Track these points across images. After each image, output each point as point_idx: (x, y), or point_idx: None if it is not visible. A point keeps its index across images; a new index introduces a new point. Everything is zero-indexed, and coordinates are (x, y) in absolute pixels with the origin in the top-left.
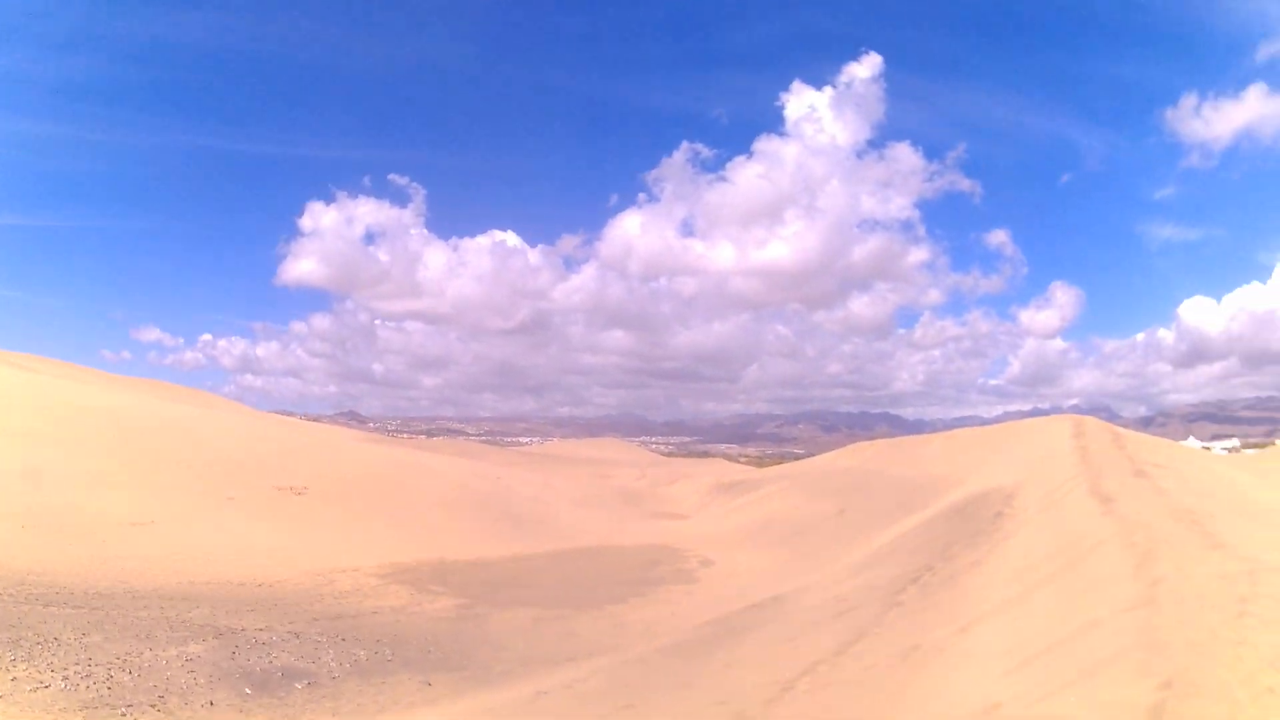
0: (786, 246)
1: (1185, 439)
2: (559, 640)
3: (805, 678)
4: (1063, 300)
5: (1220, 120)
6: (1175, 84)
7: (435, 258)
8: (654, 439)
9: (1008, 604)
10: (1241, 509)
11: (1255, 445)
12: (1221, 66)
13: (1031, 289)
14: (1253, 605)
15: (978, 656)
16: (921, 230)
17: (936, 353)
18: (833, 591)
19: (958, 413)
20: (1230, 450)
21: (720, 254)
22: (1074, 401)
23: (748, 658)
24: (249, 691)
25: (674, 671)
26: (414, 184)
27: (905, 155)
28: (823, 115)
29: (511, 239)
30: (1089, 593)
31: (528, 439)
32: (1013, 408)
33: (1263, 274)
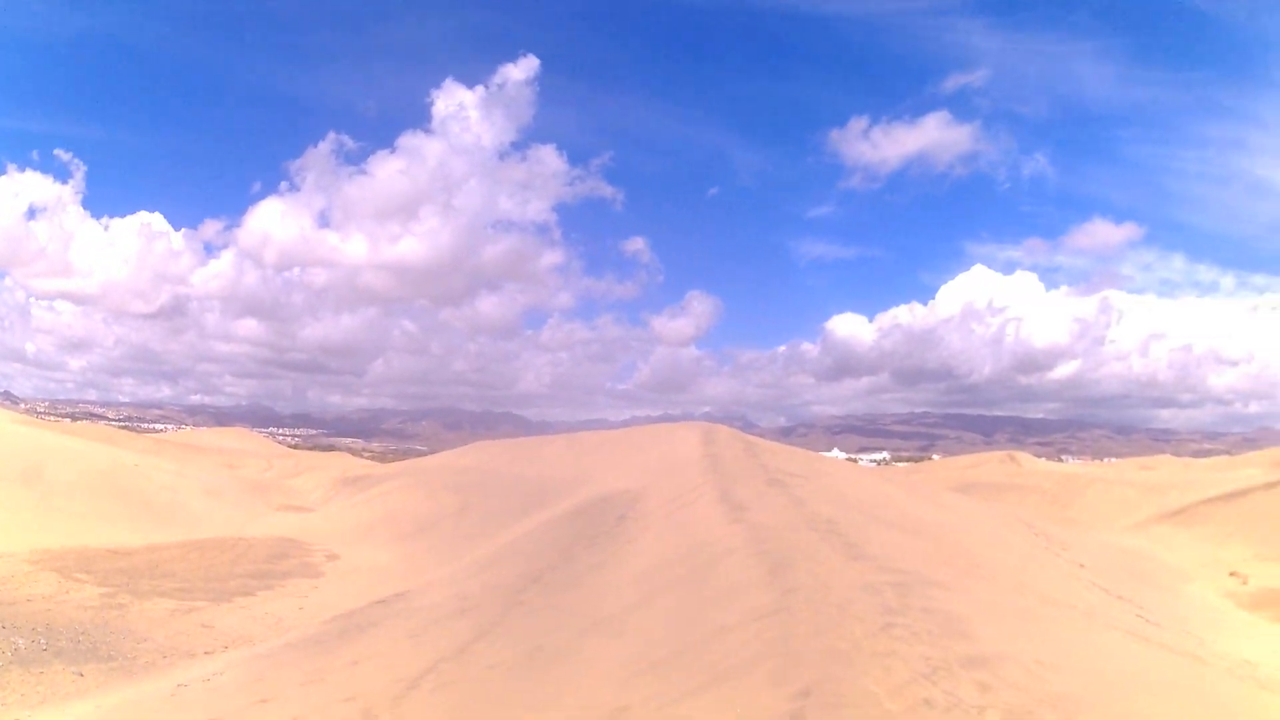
0: (419, 243)
1: (830, 450)
2: (196, 633)
3: (430, 675)
4: (699, 309)
5: (891, 144)
6: (846, 106)
7: (88, 237)
8: (281, 430)
9: (633, 607)
10: (889, 521)
11: (909, 459)
12: (900, 92)
13: (667, 297)
14: (901, 617)
15: (603, 659)
16: (558, 234)
17: (564, 355)
18: (455, 589)
19: (584, 415)
20: (879, 463)
21: (353, 247)
22: (707, 409)
23: (374, 654)
24: None
25: (304, 667)
26: (76, 160)
27: (549, 158)
28: (470, 114)
29: (158, 221)
30: (718, 599)
31: (163, 426)
32: (641, 413)
33: (924, 294)
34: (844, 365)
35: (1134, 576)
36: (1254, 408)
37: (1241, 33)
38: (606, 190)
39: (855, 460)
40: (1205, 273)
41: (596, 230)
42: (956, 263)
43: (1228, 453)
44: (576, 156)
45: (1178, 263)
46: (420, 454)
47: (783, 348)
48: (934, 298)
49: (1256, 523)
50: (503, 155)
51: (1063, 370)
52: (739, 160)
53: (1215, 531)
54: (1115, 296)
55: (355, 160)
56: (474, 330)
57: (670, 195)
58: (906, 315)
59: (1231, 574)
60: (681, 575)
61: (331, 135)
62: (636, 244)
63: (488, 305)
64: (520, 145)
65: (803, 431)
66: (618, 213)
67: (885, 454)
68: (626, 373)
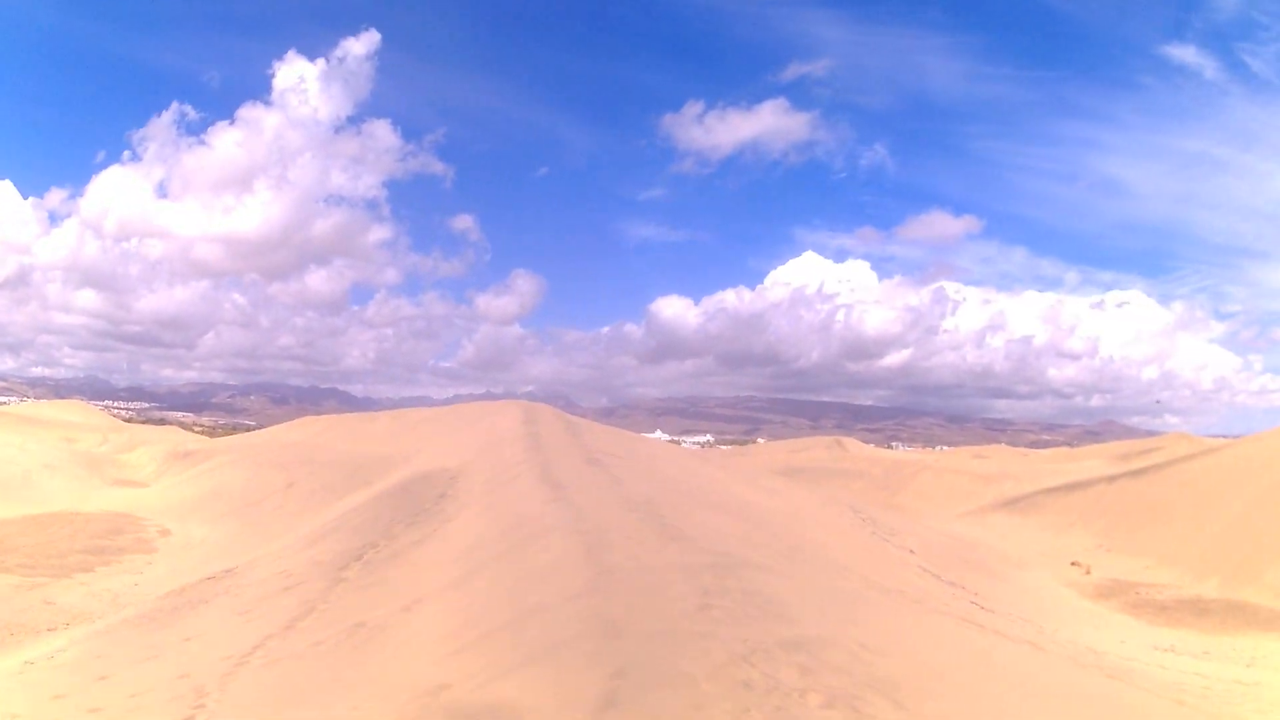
0: (251, 216)
1: (653, 432)
2: (39, 609)
3: (258, 652)
4: (524, 288)
5: (725, 130)
6: (682, 90)
7: None
8: (117, 403)
9: (453, 584)
10: (709, 502)
11: (733, 442)
12: (738, 79)
13: (493, 275)
14: (718, 598)
15: (423, 636)
16: (387, 209)
17: (389, 331)
18: (281, 565)
19: (408, 392)
20: (702, 445)
21: (189, 219)
22: (529, 388)
23: (206, 631)
24: None
25: (141, 644)
26: None
27: (383, 134)
28: (309, 87)
29: (7, 189)
30: (536, 578)
31: (5, 398)
32: (464, 390)
33: (752, 280)
34: (668, 348)
35: (968, 564)
36: (1096, 401)
37: (1096, 33)
38: (438, 167)
39: (678, 442)
40: (1049, 267)
41: (426, 207)
42: (787, 249)
43: (1068, 445)
44: (410, 133)
45: (1019, 256)
46: (248, 429)
47: (607, 329)
48: (762, 283)
49: (1098, 514)
50: (338, 129)
51: (894, 358)
52: (571, 141)
53: (1055, 521)
54: (951, 287)
55: (196, 131)
56: (302, 305)
57: (501, 174)
58: (733, 299)
59: (1073, 564)
60: (500, 553)
61: (175, 105)
62: (465, 222)
63: (316, 280)
64: (356, 120)
65: (625, 413)
66: (447, 190)
67: (709, 437)
68: (451, 350)
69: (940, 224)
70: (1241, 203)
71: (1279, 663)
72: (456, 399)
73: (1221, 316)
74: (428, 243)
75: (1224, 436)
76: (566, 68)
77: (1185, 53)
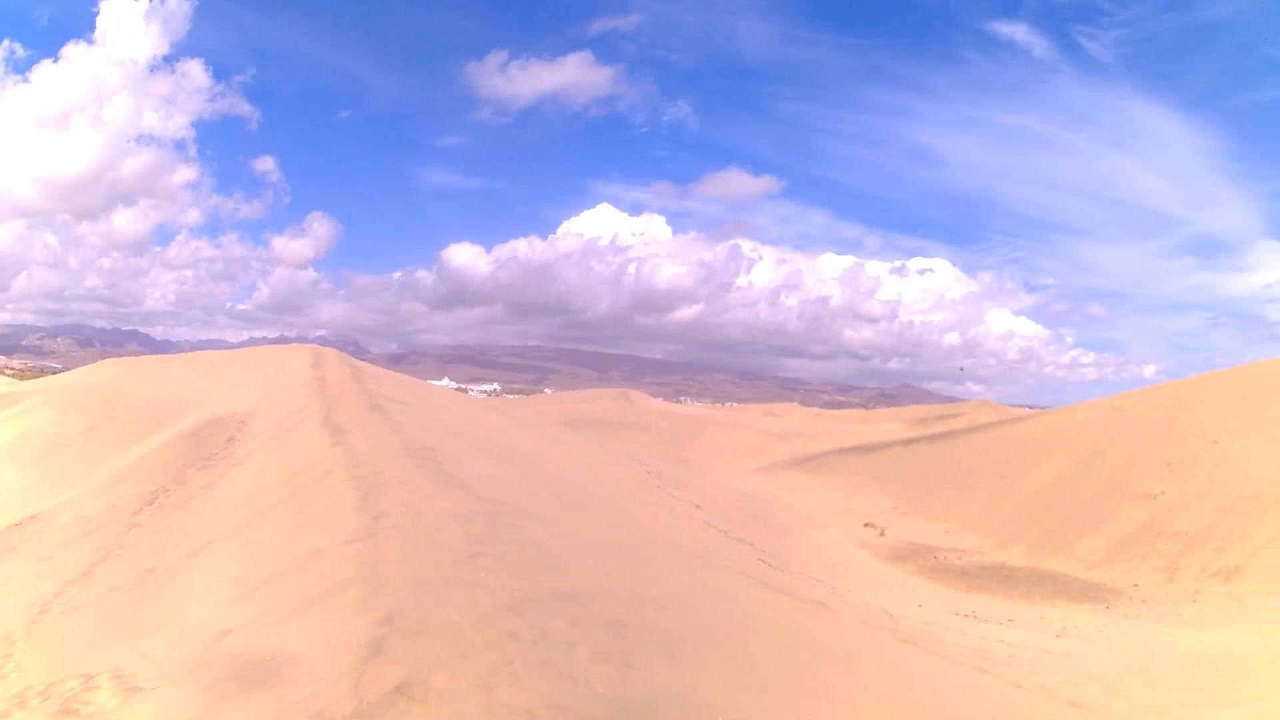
0: (66, 156)
1: (441, 379)
2: None
3: (59, 599)
4: (320, 231)
5: (527, 80)
6: (487, 39)
7: None
8: None
9: (237, 530)
10: (489, 451)
11: (520, 392)
12: (544, 30)
13: (290, 218)
14: (490, 546)
15: (209, 581)
16: (194, 150)
17: (189, 273)
18: (81, 511)
19: (205, 335)
20: (490, 394)
21: (7, 158)
22: (321, 333)
23: (12, 578)
24: None
25: None
26: None
27: (196, 73)
28: (131, 25)
29: None
30: (313, 523)
31: None
32: (259, 334)
33: (545, 229)
34: (458, 295)
35: (756, 520)
36: (894, 365)
37: (922, 4)
38: (245, 108)
39: (465, 390)
40: (850, 231)
41: (231, 148)
42: (582, 201)
43: (863, 407)
44: (221, 72)
45: (820, 218)
46: (55, 372)
47: (399, 274)
48: (555, 233)
49: (894, 477)
50: (154, 68)
51: (685, 313)
52: (375, 85)
53: (849, 482)
54: (747, 245)
55: (23, 69)
56: (108, 245)
57: (305, 116)
58: (525, 249)
59: (866, 525)
60: (283, 498)
61: (7, 42)
62: (266, 164)
63: (122, 220)
64: (171, 59)
65: (414, 360)
66: (252, 131)
67: (496, 386)
68: (247, 293)
69: (738, 182)
70: (1064, 180)
71: (1091, 634)
72: (251, 342)
73: (1033, 289)
74: (230, 184)
75: (1031, 407)
76: (376, 10)
77: (1015, 30)
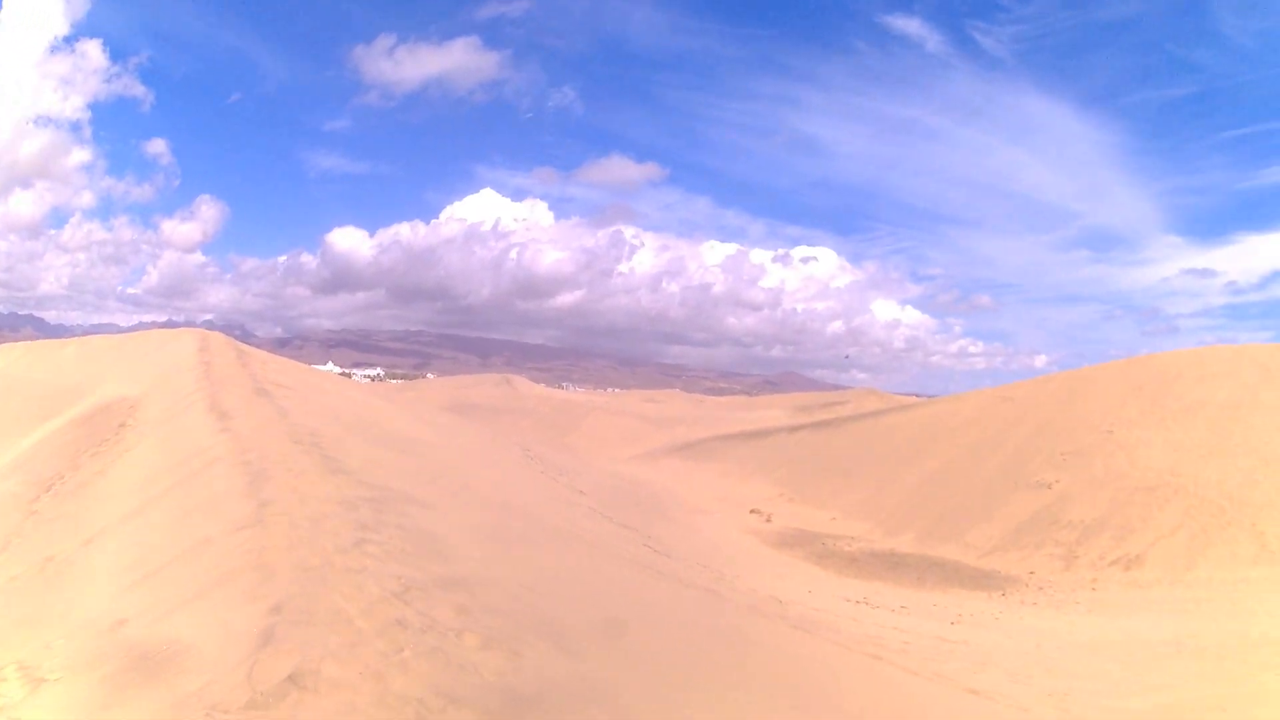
0: None
1: (325, 364)
2: None
3: None
4: (208, 215)
5: (414, 64)
6: (376, 22)
7: None
8: None
9: (129, 517)
10: (374, 436)
11: (403, 377)
12: (432, 14)
13: (180, 201)
14: (375, 533)
15: (104, 570)
16: (89, 132)
17: (82, 256)
18: None
19: (97, 319)
20: (373, 379)
21: None
22: (208, 317)
23: None
24: None
25: None
26: None
27: (94, 54)
28: (34, 4)
29: None
30: (202, 510)
31: None
32: (149, 318)
33: (428, 214)
34: (341, 279)
35: (641, 507)
36: (777, 352)
37: None
38: (139, 89)
39: (349, 375)
40: (733, 218)
41: (125, 130)
42: (466, 185)
43: (746, 394)
44: (118, 54)
45: (703, 206)
46: None
47: (284, 258)
48: (437, 217)
49: (780, 464)
50: (55, 49)
51: (566, 298)
52: (265, 67)
53: (734, 468)
54: (629, 232)
55: None
56: (4, 228)
57: (197, 98)
58: (408, 233)
59: (753, 511)
60: (173, 485)
61: None
62: (159, 146)
63: (19, 203)
64: (72, 39)
65: (299, 344)
66: (145, 113)
67: (379, 370)
68: (137, 277)
69: (622, 169)
70: (954, 172)
71: (987, 621)
72: (140, 327)
73: (919, 279)
74: (122, 166)
75: (918, 395)
76: None
77: (909, 24)
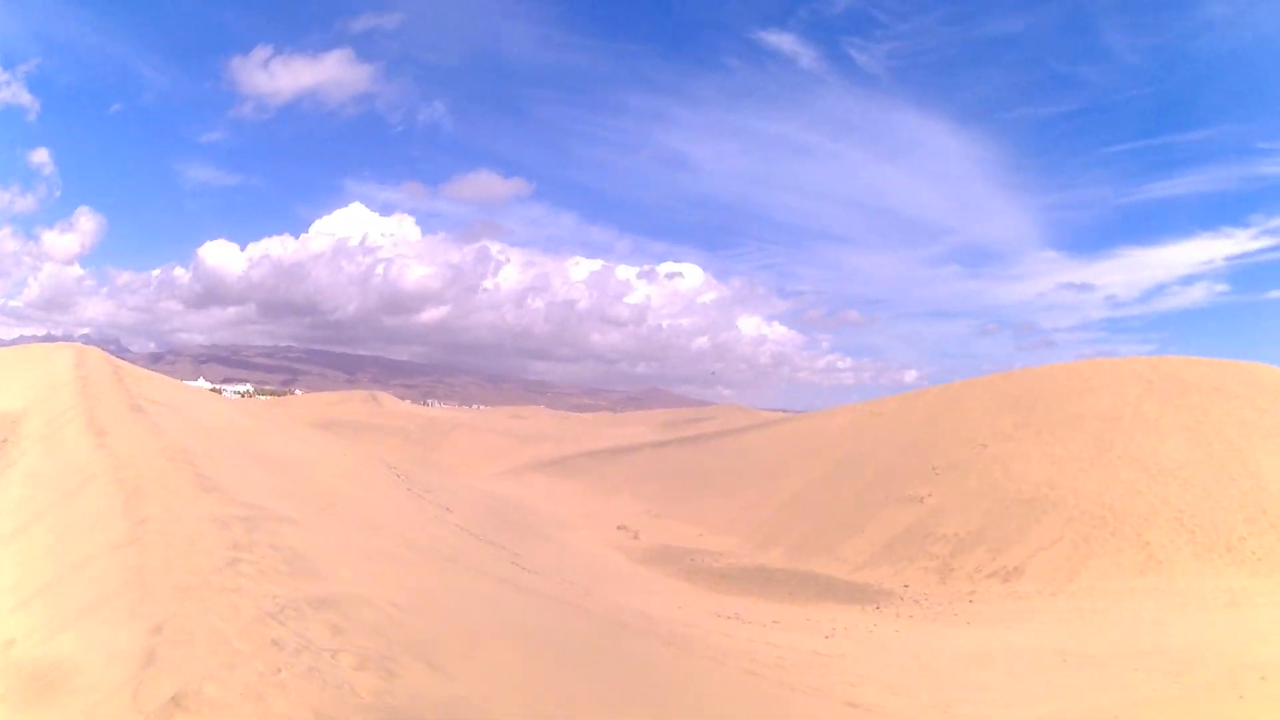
0: None
1: (196, 380)
2: None
3: None
4: (86, 227)
5: (288, 76)
6: (255, 32)
7: None
8: None
9: (13, 535)
10: (245, 453)
11: (271, 393)
12: (308, 25)
13: (60, 212)
14: (248, 552)
15: None
16: None
17: None
18: None
19: None
20: (243, 395)
21: None
22: (85, 331)
23: None
24: None
25: None
26: None
27: None
28: None
29: None
30: (82, 528)
31: None
32: (30, 331)
33: (298, 228)
34: (213, 293)
35: (508, 523)
36: (642, 369)
37: (688, 11)
38: (26, 98)
39: (219, 391)
40: (599, 234)
41: (11, 140)
42: (335, 199)
43: (611, 410)
44: (9, 62)
45: (569, 221)
46: None
47: (157, 271)
48: (307, 231)
49: (646, 480)
50: None
51: (432, 314)
52: (146, 78)
53: (600, 485)
54: (495, 247)
55: None
56: None
57: (81, 108)
58: (278, 247)
59: (620, 527)
60: (53, 502)
61: None
62: (41, 156)
63: None
64: None
65: (172, 359)
66: (30, 122)
67: (249, 386)
68: (19, 289)
69: (489, 184)
70: (824, 188)
71: (863, 635)
72: (21, 340)
73: (787, 295)
74: (8, 177)
75: (785, 411)
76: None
77: (782, 40)
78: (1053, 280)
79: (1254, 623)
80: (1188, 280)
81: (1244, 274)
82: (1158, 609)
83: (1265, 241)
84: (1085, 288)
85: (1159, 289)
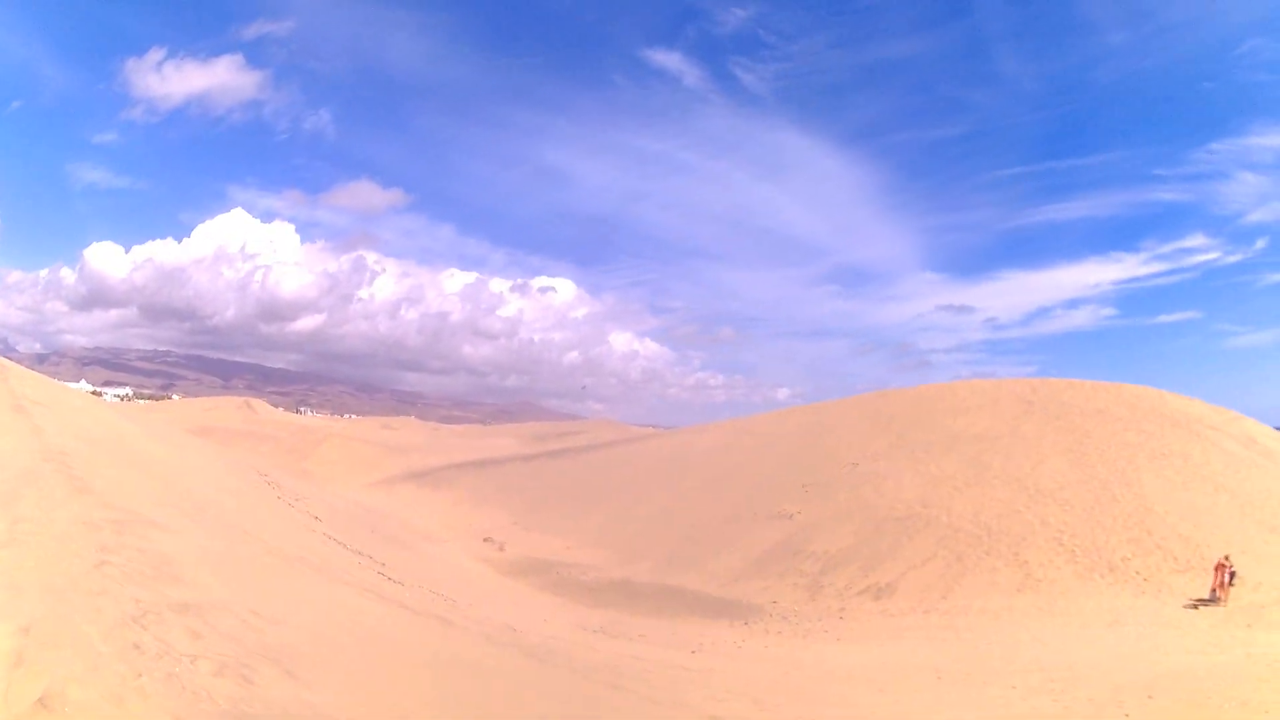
0: None
1: (78, 382)
2: None
3: None
4: None
5: (180, 80)
6: (151, 34)
7: None
8: None
9: None
10: (121, 457)
11: (150, 397)
12: (204, 29)
13: None
14: (115, 555)
15: None
16: None
17: None
18: None
19: None
20: (123, 398)
21: None
22: None
23: None
24: None
25: None
26: None
27: None
28: None
29: None
30: None
31: None
32: None
33: (181, 232)
34: (97, 295)
35: (376, 533)
36: (513, 381)
37: (574, 28)
38: None
39: (100, 394)
40: (475, 247)
41: None
42: (219, 205)
43: (481, 422)
44: None
45: (446, 233)
46: None
47: (45, 271)
48: (189, 236)
49: (514, 492)
50: None
51: (306, 322)
52: (47, 77)
53: (468, 496)
54: (371, 257)
55: None
56: None
57: None
58: (161, 251)
59: (486, 540)
60: None
61: None
62: None
63: None
64: None
65: (56, 360)
66: None
67: (128, 390)
68: None
69: (368, 194)
70: (702, 206)
71: (730, 650)
72: None
73: (659, 311)
74: None
75: (655, 427)
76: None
77: (669, 58)
78: (932, 302)
79: (1138, 641)
80: (1073, 304)
81: (1133, 298)
82: (1037, 628)
83: (1156, 266)
84: (965, 309)
85: (1041, 312)
